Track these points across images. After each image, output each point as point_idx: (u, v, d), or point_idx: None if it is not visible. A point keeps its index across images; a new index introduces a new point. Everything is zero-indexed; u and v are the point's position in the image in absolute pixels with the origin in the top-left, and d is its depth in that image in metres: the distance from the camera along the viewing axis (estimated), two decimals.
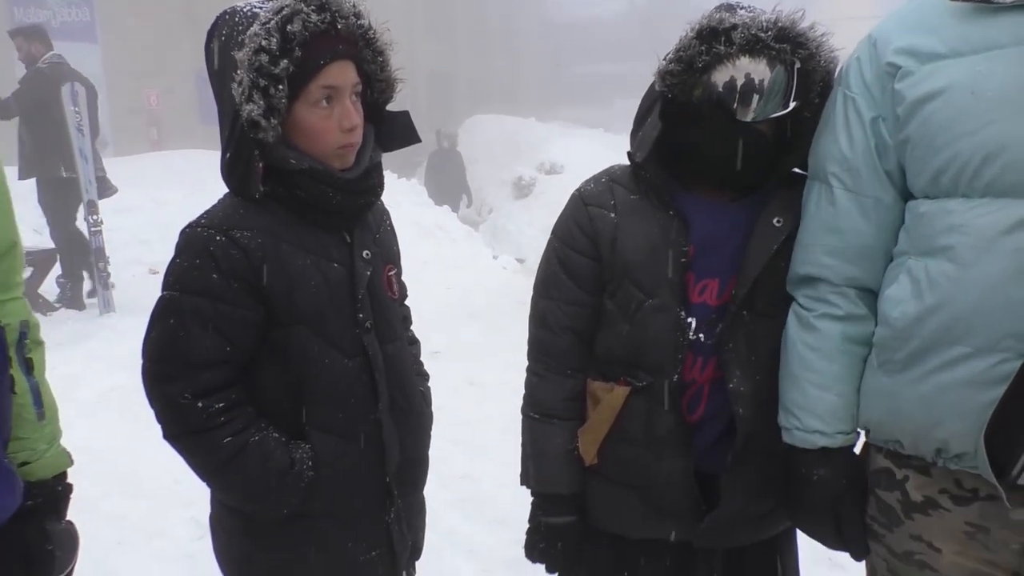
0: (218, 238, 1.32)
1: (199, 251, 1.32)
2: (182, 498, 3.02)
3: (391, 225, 1.57)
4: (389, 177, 8.63)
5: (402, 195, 8.33)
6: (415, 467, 1.53)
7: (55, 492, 1.34)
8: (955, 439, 1.12)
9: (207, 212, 1.38)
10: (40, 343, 1.36)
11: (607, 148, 11.10)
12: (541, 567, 1.58)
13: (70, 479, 1.38)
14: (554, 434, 1.52)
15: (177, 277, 1.34)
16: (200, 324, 1.31)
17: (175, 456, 1.38)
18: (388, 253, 1.53)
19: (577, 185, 1.55)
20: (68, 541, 1.34)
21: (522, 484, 1.59)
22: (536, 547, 1.55)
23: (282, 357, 1.37)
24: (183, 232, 1.36)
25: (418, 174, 11.83)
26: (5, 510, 1.18)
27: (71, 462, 1.37)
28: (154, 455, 2.21)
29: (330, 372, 1.38)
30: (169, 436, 1.36)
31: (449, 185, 11.27)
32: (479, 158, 12.65)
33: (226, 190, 1.39)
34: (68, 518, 1.38)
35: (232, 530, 1.45)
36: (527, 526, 1.58)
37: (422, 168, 12.15)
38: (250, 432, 1.34)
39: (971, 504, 1.16)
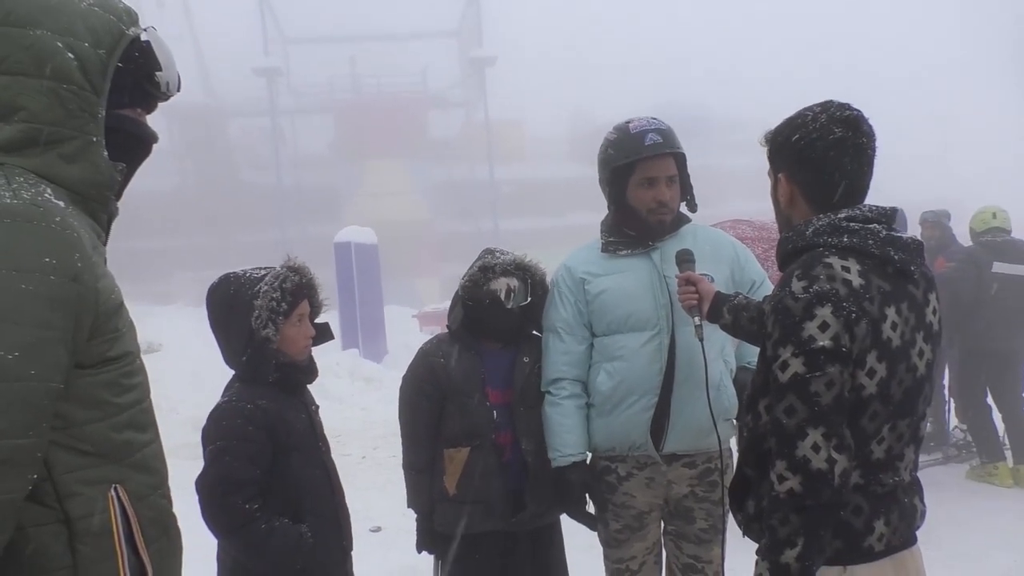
0: (248, 406, 2.20)
1: (236, 415, 2.18)
2: None
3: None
4: None
5: None
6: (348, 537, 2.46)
7: None
8: (637, 438, 2.52)
9: (233, 393, 2.25)
10: None
11: (190, 320, 11.69)
12: None
13: None
14: None
15: (223, 433, 2.17)
16: (245, 458, 2.16)
17: None
18: (316, 407, 2.49)
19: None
20: None
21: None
22: None
23: (284, 472, 2.24)
24: (220, 407, 2.21)
25: None
26: None
27: None
28: None
29: (314, 477, 2.30)
30: (224, 530, 2.13)
31: None
32: None
33: None
34: None
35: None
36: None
37: None
38: (275, 519, 2.17)
39: (645, 469, 2.57)
